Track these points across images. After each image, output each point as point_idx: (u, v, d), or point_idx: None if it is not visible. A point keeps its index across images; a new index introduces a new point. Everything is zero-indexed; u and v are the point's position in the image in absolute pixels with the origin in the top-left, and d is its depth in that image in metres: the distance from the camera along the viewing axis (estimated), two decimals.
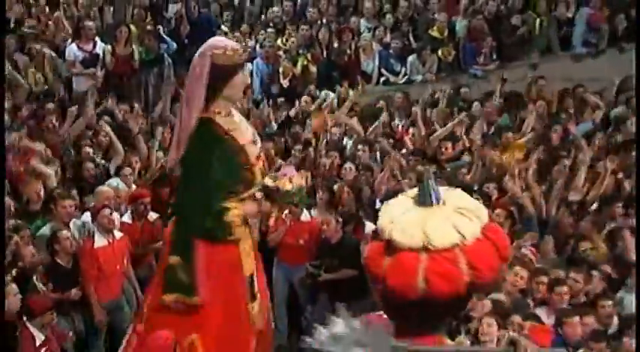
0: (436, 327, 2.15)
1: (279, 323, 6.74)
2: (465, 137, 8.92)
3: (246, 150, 4.58)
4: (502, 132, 9.14)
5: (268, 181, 4.68)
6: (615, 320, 5.92)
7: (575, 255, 6.87)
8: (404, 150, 8.82)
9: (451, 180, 7.23)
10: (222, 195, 4.48)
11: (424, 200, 2.11)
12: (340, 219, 7.01)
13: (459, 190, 2.21)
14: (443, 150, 8.76)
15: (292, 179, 4.71)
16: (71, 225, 6.71)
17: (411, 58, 11.78)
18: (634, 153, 8.18)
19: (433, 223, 2.06)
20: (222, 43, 4.69)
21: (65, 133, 8.01)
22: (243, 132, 4.63)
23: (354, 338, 1.97)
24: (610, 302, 5.96)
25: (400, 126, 9.14)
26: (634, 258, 6.49)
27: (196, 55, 4.59)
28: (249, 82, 3.99)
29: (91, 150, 7.56)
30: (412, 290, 2.03)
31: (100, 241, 6.48)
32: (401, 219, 2.10)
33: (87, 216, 6.78)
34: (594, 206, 7.55)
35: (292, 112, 10.32)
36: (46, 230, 6.60)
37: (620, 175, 7.94)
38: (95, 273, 6.42)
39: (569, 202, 7.50)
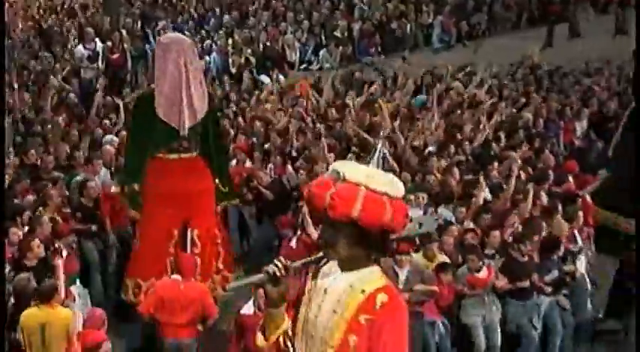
0: None
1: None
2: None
3: None
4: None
5: None
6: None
7: (424, 185, 9.02)
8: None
9: (337, 135, 10.93)
10: None
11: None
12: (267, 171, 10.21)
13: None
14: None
15: None
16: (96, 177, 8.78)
17: (322, 52, 16.47)
18: (459, 112, 12.59)
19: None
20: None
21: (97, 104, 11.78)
22: None
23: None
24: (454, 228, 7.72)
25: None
26: (454, 182, 8.90)
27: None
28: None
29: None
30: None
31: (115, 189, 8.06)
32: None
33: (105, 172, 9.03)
34: (433, 149, 10.92)
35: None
36: (79, 178, 8.63)
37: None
38: (110, 210, 8.28)
39: (414, 147, 10.84)
